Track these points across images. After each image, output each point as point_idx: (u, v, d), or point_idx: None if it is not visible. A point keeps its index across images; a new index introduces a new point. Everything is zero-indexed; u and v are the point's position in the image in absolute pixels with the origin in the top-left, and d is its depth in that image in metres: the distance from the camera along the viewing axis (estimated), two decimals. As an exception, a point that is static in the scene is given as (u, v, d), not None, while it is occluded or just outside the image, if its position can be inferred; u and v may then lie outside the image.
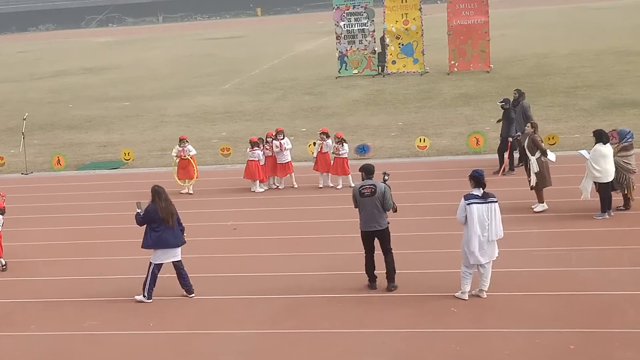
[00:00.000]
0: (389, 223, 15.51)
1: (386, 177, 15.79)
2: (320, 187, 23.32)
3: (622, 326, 13.35)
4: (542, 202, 19.78)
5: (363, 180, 15.57)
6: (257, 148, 23.46)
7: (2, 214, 18.19)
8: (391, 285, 15.52)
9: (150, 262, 15.76)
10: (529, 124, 20.35)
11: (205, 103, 42.15)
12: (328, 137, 23.54)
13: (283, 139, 23.56)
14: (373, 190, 15.28)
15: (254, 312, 15.01)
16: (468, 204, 14.53)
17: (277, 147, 23.39)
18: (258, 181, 23.47)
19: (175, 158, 23.99)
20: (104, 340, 14.22)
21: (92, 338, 14.34)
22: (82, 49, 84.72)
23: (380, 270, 15.57)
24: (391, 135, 30.50)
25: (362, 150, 26.43)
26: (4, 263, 18.17)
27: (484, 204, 14.55)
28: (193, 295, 15.89)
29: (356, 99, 40.00)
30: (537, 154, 19.55)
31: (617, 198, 19.49)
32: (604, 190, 19.00)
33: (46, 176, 28.13)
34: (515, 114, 23.65)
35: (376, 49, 47.14)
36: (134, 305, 15.70)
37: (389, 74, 46.40)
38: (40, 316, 15.49)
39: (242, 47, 72.17)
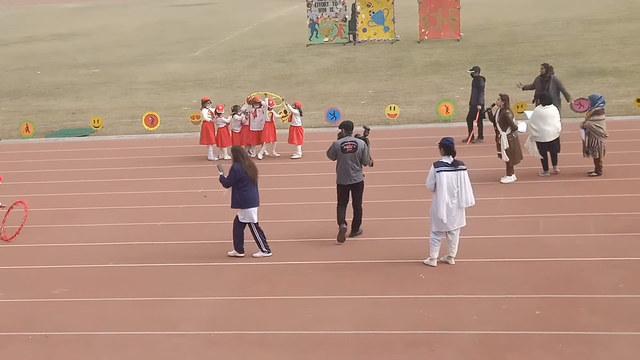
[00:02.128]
0: (364, 176, 16.40)
1: (367, 132, 16.70)
2: (264, 157, 23.34)
3: (587, 292, 13.54)
4: (511, 175, 19.79)
5: (342, 136, 16.37)
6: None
7: None
8: (357, 233, 16.57)
9: (248, 224, 15.82)
10: (499, 96, 20.10)
11: (176, 70, 41.94)
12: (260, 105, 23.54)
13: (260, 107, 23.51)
14: (354, 146, 16.19)
15: (222, 279, 15.07)
16: (438, 172, 14.63)
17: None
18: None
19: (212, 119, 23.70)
20: (74, 307, 14.23)
21: (61, 305, 14.35)
22: (50, 15, 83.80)
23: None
24: (361, 104, 30.53)
25: (333, 116, 26.43)
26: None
27: (454, 172, 14.64)
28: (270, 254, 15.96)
29: (327, 66, 39.96)
30: (508, 130, 19.52)
31: (588, 165, 19.72)
32: (540, 149, 19.70)
33: (14, 143, 27.94)
34: (549, 89, 22.28)
35: (347, 16, 47.03)
36: (103, 272, 15.71)
37: (359, 41, 46.34)
38: (8, 283, 15.45)
39: (213, 14, 71.72)
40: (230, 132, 23.43)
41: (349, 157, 16.22)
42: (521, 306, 13.16)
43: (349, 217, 16.55)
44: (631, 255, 14.91)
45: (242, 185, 15.69)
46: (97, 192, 20.38)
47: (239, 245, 15.98)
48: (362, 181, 16.42)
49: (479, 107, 23.19)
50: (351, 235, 16.52)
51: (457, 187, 14.63)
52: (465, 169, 14.77)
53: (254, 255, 15.95)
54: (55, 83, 40.41)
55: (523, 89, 23.92)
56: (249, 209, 15.77)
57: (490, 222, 16.98)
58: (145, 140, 27.09)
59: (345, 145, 16.27)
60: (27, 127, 28.68)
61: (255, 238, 15.92)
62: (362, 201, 16.54)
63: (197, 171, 22.53)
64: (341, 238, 16.33)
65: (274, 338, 12.68)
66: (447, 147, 14.81)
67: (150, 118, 27.95)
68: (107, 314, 13.89)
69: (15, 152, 26.50)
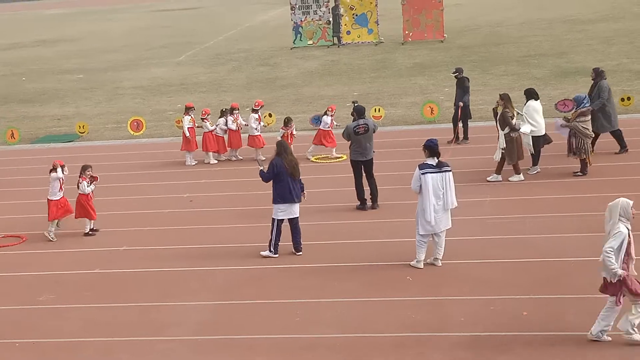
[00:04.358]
0: (374, 152, 18.63)
1: (356, 102, 20.21)
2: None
3: (575, 292, 13.58)
4: (519, 173, 19.83)
5: (355, 120, 18.46)
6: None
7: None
8: (375, 205, 18.42)
9: (273, 219, 15.89)
10: (499, 97, 20.13)
11: (161, 75, 41.91)
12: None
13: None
14: (366, 128, 18.30)
15: (209, 283, 15.06)
16: (423, 174, 14.65)
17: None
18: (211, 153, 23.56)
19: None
20: (61, 313, 14.20)
21: (48, 312, 14.32)
22: (35, 21, 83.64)
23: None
24: (347, 106, 30.43)
25: (318, 120, 26.39)
26: (92, 228, 18.20)
27: (439, 173, 14.67)
28: (300, 253, 16.01)
29: (311, 69, 40.00)
30: (507, 130, 19.56)
31: (573, 165, 19.82)
32: (535, 144, 19.82)
33: (0, 150, 27.85)
34: (593, 94, 21.31)
35: (330, 19, 47.08)
36: (90, 278, 15.69)
37: (343, 44, 46.40)
38: (-5, 291, 15.43)
39: (197, 19, 71.70)
40: (215, 136, 23.46)
41: (361, 137, 18.20)
42: (509, 307, 13.20)
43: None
44: (617, 254, 14.94)
45: (280, 179, 15.75)
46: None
47: (275, 244, 16.02)
48: (372, 157, 18.49)
49: (461, 104, 23.24)
50: (372, 208, 18.33)
51: (442, 189, 14.66)
52: (450, 171, 14.81)
53: (261, 253, 16.01)
54: (41, 89, 40.31)
55: None
56: (286, 205, 15.81)
57: (477, 223, 17.03)
58: (131, 146, 27.06)
59: (357, 128, 18.23)
60: (13, 133, 28.60)
61: (271, 234, 15.94)
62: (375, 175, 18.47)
63: (182, 176, 22.52)
64: (362, 209, 18.32)
65: (262, 342, 12.69)
66: (431, 148, 14.85)
67: (135, 123, 27.93)
68: (95, 320, 13.86)
69: (0, 159, 26.40)
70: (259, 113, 23.52)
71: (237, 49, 49.52)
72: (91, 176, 18.15)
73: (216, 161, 23.58)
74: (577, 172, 19.72)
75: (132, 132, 27.82)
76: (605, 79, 21.64)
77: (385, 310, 13.43)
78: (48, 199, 18.15)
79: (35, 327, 13.73)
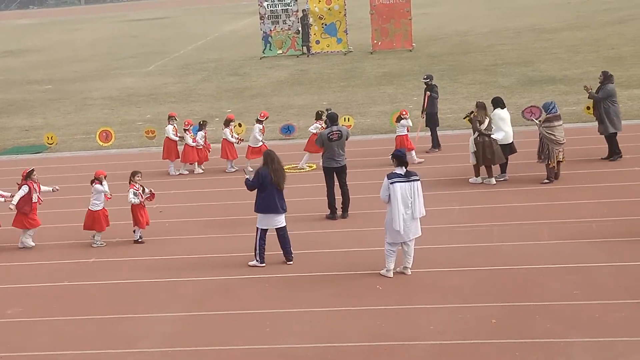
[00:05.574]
0: (346, 159, 18.74)
1: (329, 110, 20.46)
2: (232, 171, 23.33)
3: (542, 299, 13.69)
4: (478, 176, 20.30)
5: (328, 127, 18.80)
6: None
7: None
8: (345, 214, 18.53)
9: (257, 228, 15.91)
10: (475, 104, 20.62)
11: (129, 85, 41.78)
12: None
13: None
14: (339, 135, 18.54)
15: (179, 294, 15.04)
16: (391, 183, 14.71)
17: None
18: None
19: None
20: (30, 327, 14.12)
21: (16, 325, 14.22)
22: (2, 32, 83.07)
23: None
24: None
25: (287, 130, 26.45)
26: (140, 236, 18.03)
27: (407, 183, 14.74)
28: (291, 262, 16.00)
29: (281, 79, 40.03)
30: (476, 134, 20.01)
31: (540, 172, 19.98)
32: (502, 152, 20.08)
33: (-33, 162, 27.65)
34: (599, 97, 21.58)
35: (299, 29, 47.15)
36: (59, 291, 15.61)
37: (313, 53, 46.48)
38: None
39: (166, 29, 71.52)
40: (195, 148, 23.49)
41: (335, 144, 18.42)
42: (477, 315, 13.28)
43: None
44: (585, 261, 15.10)
45: (264, 189, 15.78)
46: (50, 209, 20.17)
47: (260, 254, 16.02)
48: (345, 165, 18.69)
49: (423, 117, 23.60)
50: (342, 217, 18.43)
51: (411, 198, 14.73)
52: (418, 180, 14.88)
53: (249, 263, 16.00)
54: (8, 100, 40.04)
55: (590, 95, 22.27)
56: (269, 215, 15.84)
57: (446, 232, 17.11)
58: (100, 156, 26.95)
59: (331, 134, 18.46)
60: (-20, 145, 28.40)
61: (255, 244, 15.95)
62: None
63: (152, 186, 22.42)
64: (332, 218, 18.45)
65: (233, 353, 12.68)
66: (399, 158, 14.94)
67: (104, 134, 27.80)
68: (64, 333, 13.80)
69: (-33, 171, 26.20)
70: (264, 124, 23.45)
71: (206, 58, 49.46)
72: (143, 189, 17.90)
73: (202, 170, 23.60)
74: (545, 180, 19.88)
75: (100, 143, 27.70)
76: (613, 82, 21.82)
77: (355, 320, 13.47)
78: (89, 210, 17.98)
79: (3, 341, 13.63)
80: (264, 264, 15.96)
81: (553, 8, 60.67)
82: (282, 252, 16.13)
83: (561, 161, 19.79)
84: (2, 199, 18.23)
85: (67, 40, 68.33)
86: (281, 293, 14.78)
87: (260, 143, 23.03)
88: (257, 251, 15.97)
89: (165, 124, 24.08)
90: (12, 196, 18.07)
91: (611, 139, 21.56)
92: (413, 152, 22.54)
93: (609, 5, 59.44)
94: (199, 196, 21.33)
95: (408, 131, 22.72)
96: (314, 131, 22.52)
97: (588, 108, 26.05)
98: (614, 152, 21.54)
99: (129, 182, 17.90)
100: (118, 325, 13.95)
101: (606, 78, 21.71)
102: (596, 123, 21.87)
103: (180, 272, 16.10)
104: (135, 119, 32.96)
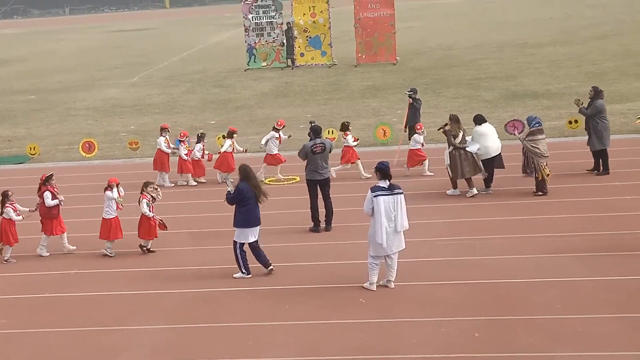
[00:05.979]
0: (329, 171, 18.93)
1: (313, 122, 20.32)
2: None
3: (524, 313, 13.74)
4: (456, 188, 20.51)
5: (312, 139, 18.88)
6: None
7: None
8: (328, 227, 18.52)
9: (235, 241, 15.93)
10: (449, 117, 20.77)
11: (114, 96, 41.71)
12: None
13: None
14: (323, 148, 18.63)
15: (163, 306, 15.01)
16: (375, 196, 14.75)
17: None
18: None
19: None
20: (12, 339, 14.06)
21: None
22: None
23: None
24: (300, 128, 30.59)
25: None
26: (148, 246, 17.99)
27: (390, 196, 14.78)
28: (271, 267, 16.09)
29: (265, 91, 40.08)
30: (450, 147, 20.21)
31: (526, 186, 20.09)
32: (485, 166, 20.29)
33: (-51, 172, 27.53)
34: (588, 114, 21.53)
35: (283, 41, 47.25)
36: (41, 302, 15.56)
37: (297, 66, 46.57)
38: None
39: (151, 40, 71.49)
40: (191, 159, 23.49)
41: (318, 157, 18.51)
42: (460, 328, 13.32)
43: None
44: (567, 275, 15.17)
45: (244, 204, 15.80)
46: (32, 220, 20.13)
47: (244, 265, 16.04)
48: (329, 177, 18.84)
49: (405, 131, 23.78)
50: (326, 230, 18.45)
51: (394, 211, 14.76)
52: (401, 193, 14.92)
53: (234, 276, 15.99)
54: (-9, 110, 39.92)
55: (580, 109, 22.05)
56: (248, 229, 15.87)
57: (428, 245, 17.16)
58: (83, 168, 26.89)
59: (315, 147, 18.58)
60: (-38, 155, 28.29)
61: (236, 257, 15.97)
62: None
63: (135, 198, 22.38)
64: (315, 231, 18.45)
65: (216, 365, 12.68)
66: (383, 171, 14.97)
67: (87, 145, 27.77)
68: (46, 345, 13.75)
69: (-51, 181, 26.08)
70: (280, 133, 23.51)
71: (191, 70, 49.48)
72: (152, 197, 17.86)
73: (196, 183, 23.58)
74: (537, 192, 20.00)
75: (83, 154, 27.65)
76: (603, 98, 21.80)
77: (338, 333, 13.48)
78: (103, 218, 17.98)
79: (-15, 352, 13.60)
80: (250, 275, 15.97)
81: (536, 23, 61.07)
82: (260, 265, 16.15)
83: (549, 174, 19.90)
84: (20, 217, 18.12)
85: (51, 50, 68.20)
86: (264, 305, 14.78)
87: (275, 150, 23.16)
88: (240, 263, 15.99)
89: (149, 135, 24.05)
90: (32, 210, 18.18)
91: (599, 155, 21.61)
92: (425, 164, 22.81)
93: (591, 21, 59.92)
94: (184, 208, 21.29)
95: (423, 146, 22.91)
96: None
97: (570, 122, 26.26)
98: (603, 168, 21.52)
99: (141, 192, 17.88)
100: (101, 337, 13.91)
101: (596, 93, 21.65)
102: (586, 137, 21.97)
103: (164, 283, 16.08)
104: (119, 130, 32.91)
